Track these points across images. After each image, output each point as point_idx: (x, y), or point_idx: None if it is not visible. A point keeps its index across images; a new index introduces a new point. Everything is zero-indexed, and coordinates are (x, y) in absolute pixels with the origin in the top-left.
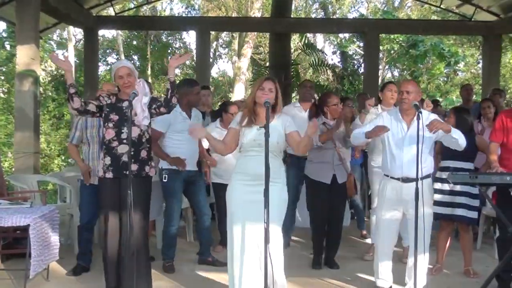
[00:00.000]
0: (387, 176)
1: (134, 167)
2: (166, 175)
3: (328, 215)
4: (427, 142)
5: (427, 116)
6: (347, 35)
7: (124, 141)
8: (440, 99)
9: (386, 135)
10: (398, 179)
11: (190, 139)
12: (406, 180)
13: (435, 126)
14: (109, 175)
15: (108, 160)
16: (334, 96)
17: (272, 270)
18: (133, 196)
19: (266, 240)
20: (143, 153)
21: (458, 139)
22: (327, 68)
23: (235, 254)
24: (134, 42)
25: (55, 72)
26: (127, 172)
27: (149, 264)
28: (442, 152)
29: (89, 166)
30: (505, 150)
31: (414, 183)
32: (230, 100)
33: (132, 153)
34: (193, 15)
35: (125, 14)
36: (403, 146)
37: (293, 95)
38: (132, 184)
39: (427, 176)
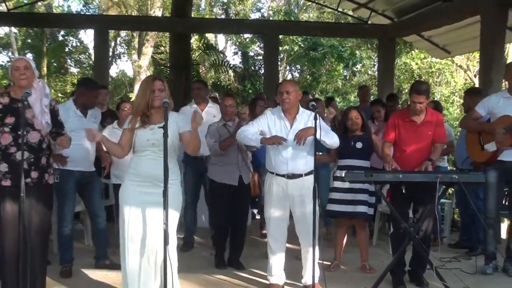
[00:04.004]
0: (273, 173)
1: (34, 174)
2: (58, 176)
3: (231, 217)
4: (308, 141)
5: (308, 116)
6: (248, 35)
7: (24, 146)
8: (338, 100)
9: (269, 133)
10: (283, 175)
11: (83, 138)
12: (291, 176)
13: (301, 137)
14: (6, 183)
15: (4, 167)
16: (228, 98)
17: (172, 272)
18: (33, 204)
19: (166, 242)
20: (43, 160)
21: (325, 140)
22: (228, 68)
23: (130, 257)
24: (29, 40)
25: None
26: (28, 180)
27: (45, 271)
28: (340, 150)
29: None
30: (397, 149)
31: (299, 179)
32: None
33: (32, 159)
34: (92, 13)
35: (19, 10)
36: (288, 144)
37: None
38: (32, 192)
39: (311, 173)
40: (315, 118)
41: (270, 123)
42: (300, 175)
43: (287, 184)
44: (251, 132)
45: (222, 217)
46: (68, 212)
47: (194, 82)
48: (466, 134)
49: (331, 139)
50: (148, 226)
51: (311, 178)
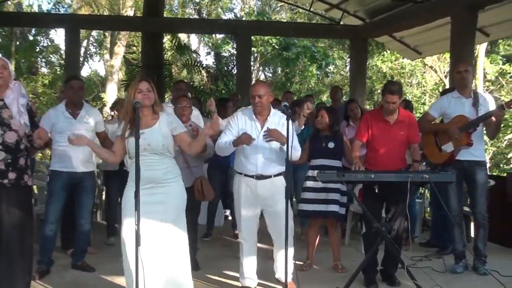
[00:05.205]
0: (241, 173)
1: (12, 175)
2: (49, 176)
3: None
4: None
5: (280, 118)
6: (221, 36)
7: (0, 146)
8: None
9: (240, 133)
10: (252, 176)
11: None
12: (260, 177)
13: (273, 135)
14: None
15: None
16: (183, 99)
17: (144, 273)
18: (11, 206)
19: (137, 243)
20: (22, 161)
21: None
22: (201, 68)
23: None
24: None
25: None
26: (5, 181)
27: (29, 277)
28: (312, 150)
29: None
30: (370, 148)
31: (268, 180)
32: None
33: (9, 160)
34: (63, 12)
35: None
36: (258, 144)
37: (167, 95)
38: (11, 194)
39: (280, 174)
40: (287, 120)
41: (240, 124)
42: (269, 176)
43: (256, 185)
44: (224, 141)
45: None
46: (52, 213)
47: (177, 82)
48: (422, 137)
49: (294, 154)
50: (151, 227)
51: (280, 179)
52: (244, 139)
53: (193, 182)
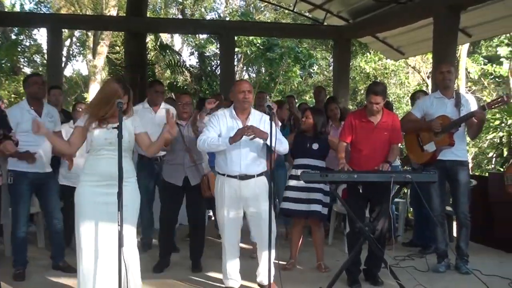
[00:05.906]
0: (223, 175)
1: None
2: (12, 177)
3: (174, 217)
4: (262, 142)
5: (261, 117)
6: (205, 36)
7: None
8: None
9: (223, 133)
10: (235, 177)
11: (39, 139)
12: (243, 177)
13: (252, 132)
14: None
15: None
16: (185, 95)
17: (127, 273)
18: None
19: (120, 244)
20: None
21: (278, 149)
22: (184, 69)
23: (85, 259)
24: None
25: None
26: None
27: None
28: (296, 150)
29: None
30: (354, 149)
31: (251, 180)
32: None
33: None
34: (45, 11)
35: None
36: (240, 144)
37: None
38: None
39: (262, 174)
40: (271, 120)
41: (221, 123)
42: (252, 176)
43: (239, 185)
44: (213, 137)
45: (165, 217)
46: (22, 214)
47: (155, 83)
48: (404, 137)
49: (283, 146)
50: (107, 227)
51: (263, 178)
52: (241, 133)
53: (201, 179)
